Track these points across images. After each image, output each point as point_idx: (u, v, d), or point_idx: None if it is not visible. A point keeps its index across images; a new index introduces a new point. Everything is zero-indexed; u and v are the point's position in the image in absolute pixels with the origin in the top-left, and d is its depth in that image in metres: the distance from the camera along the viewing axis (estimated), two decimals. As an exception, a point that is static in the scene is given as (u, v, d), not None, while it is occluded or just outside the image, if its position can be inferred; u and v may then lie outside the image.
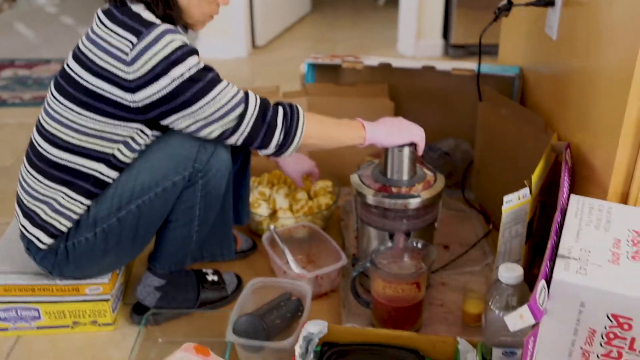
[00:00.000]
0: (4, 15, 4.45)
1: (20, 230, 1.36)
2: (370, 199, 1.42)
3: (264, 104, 1.26)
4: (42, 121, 1.30)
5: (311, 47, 3.57)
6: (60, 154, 1.27)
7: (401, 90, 1.95)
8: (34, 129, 1.34)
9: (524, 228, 1.32)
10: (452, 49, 3.32)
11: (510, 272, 1.20)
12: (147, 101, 1.20)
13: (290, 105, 1.30)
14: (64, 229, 1.31)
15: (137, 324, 1.45)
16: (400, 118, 1.42)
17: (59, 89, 1.26)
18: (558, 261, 1.02)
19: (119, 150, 1.28)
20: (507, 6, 1.62)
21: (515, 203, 1.29)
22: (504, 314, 1.21)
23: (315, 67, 1.98)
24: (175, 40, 1.18)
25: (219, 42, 3.37)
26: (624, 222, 1.12)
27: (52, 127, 1.27)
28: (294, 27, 4.00)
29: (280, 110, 1.28)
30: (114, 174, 1.30)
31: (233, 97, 1.23)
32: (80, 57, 1.23)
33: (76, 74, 1.23)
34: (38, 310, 1.43)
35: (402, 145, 1.40)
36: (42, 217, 1.31)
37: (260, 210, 1.73)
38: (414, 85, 1.95)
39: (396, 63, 1.91)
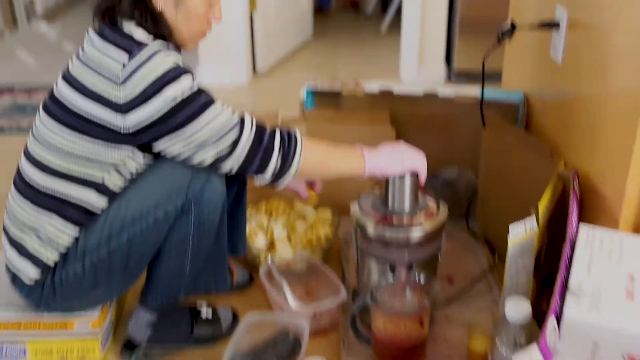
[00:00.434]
0: (5, 41, 4.45)
1: (6, 263, 1.31)
2: (371, 230, 1.37)
3: (260, 128, 1.22)
4: (30, 145, 1.26)
5: (313, 73, 3.55)
6: (47, 180, 1.22)
7: (403, 117, 1.90)
8: (22, 154, 1.29)
9: (531, 261, 1.26)
10: (455, 75, 3.28)
11: (517, 309, 1.14)
12: (138, 125, 1.15)
13: (289, 132, 1.25)
14: (51, 262, 1.26)
15: (127, 361, 1.39)
16: (401, 144, 1.36)
17: (48, 111, 1.22)
18: (568, 297, 0.96)
19: (108, 177, 1.23)
20: (511, 30, 1.57)
21: (522, 235, 1.23)
22: (511, 353, 1.15)
23: (315, 93, 1.94)
24: (168, 60, 1.14)
25: (219, 68, 3.35)
26: (637, 254, 1.06)
27: (39, 151, 1.23)
28: (296, 54, 3.98)
29: (278, 134, 1.23)
30: (103, 202, 1.25)
31: (228, 120, 1.18)
32: (69, 79, 1.19)
33: (65, 96, 1.19)
34: (24, 349, 1.37)
35: (404, 174, 1.35)
36: (28, 248, 1.25)
37: (258, 242, 1.67)
38: (416, 112, 1.90)
39: (398, 89, 1.87)
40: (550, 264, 1.42)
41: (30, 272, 1.26)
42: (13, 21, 4.65)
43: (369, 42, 4.26)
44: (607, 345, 0.91)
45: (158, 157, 1.24)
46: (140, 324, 1.38)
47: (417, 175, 1.36)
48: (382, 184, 1.39)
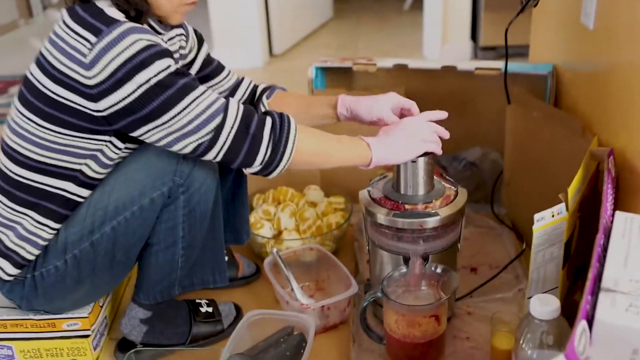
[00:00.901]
0: (20, 31, 4.40)
1: None
2: (382, 218, 1.24)
3: (247, 114, 1.09)
4: (5, 137, 1.16)
5: (333, 54, 3.41)
6: (23, 172, 1.13)
7: (419, 94, 1.75)
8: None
9: (560, 250, 1.13)
10: (481, 52, 3.11)
11: (544, 306, 1.01)
12: (112, 111, 1.04)
13: (281, 115, 1.13)
14: (31, 257, 1.16)
15: (121, 363, 1.29)
16: (407, 122, 1.22)
17: (22, 99, 1.12)
18: (602, 296, 0.82)
19: (87, 165, 1.13)
20: (536, -5, 1.42)
21: (549, 221, 1.09)
22: (537, 354, 1.02)
23: (325, 72, 1.81)
24: (141, 39, 1.02)
25: (233, 49, 3.23)
26: (683, 244, 0.92)
27: (14, 142, 1.13)
28: (315, 34, 3.84)
29: (268, 120, 1.11)
30: (84, 192, 1.15)
31: (209, 105, 1.06)
32: (41, 61, 1.09)
33: (37, 80, 1.09)
34: (12, 349, 1.28)
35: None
36: (6, 244, 1.16)
37: (263, 231, 1.56)
38: (434, 88, 1.77)
39: (413, 64, 1.73)
40: (583, 252, 1.28)
41: (8, 269, 1.17)
42: (28, 11, 4.60)
43: (391, 20, 4.09)
44: (648, 350, 0.78)
45: (141, 141, 1.13)
46: (134, 321, 1.28)
47: (432, 156, 1.23)
48: (394, 168, 1.26)
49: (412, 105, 1.28)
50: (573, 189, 1.11)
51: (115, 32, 1.01)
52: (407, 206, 1.24)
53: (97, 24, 1.02)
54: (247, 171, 1.13)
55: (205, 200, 1.17)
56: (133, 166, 1.13)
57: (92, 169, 1.13)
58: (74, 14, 1.06)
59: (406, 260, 1.26)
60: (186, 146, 1.07)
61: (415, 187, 1.25)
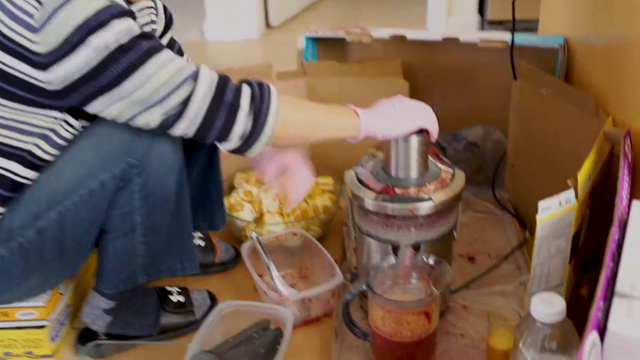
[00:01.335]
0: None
1: None
2: (369, 203, 1.12)
3: (222, 82, 0.97)
4: None
5: (332, 26, 3.26)
6: None
7: (418, 68, 1.64)
8: None
9: (567, 243, 1.00)
10: (488, 26, 2.96)
11: (547, 307, 0.89)
12: (65, 82, 0.92)
13: (260, 84, 1.00)
14: None
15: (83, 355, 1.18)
16: (402, 97, 1.12)
17: None
18: (616, 302, 0.69)
19: (36, 145, 1.00)
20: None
21: (556, 211, 0.96)
22: (539, 359, 0.90)
23: (318, 42, 1.68)
24: None
25: (229, 22, 3.10)
26: None
27: None
28: (314, 5, 3.70)
29: (246, 90, 0.98)
30: (32, 174, 1.03)
31: (178, 72, 0.93)
32: None
33: None
34: (-38, 339, 1.17)
35: (409, 134, 1.09)
36: None
37: (244, 213, 1.44)
38: (434, 61, 1.65)
39: (411, 35, 1.59)
40: (593, 243, 1.15)
41: None
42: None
43: (395, -9, 3.94)
44: (669, 367, 0.65)
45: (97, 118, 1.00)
46: (97, 311, 1.17)
47: (426, 135, 1.11)
48: (384, 147, 1.14)
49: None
50: (584, 174, 0.98)
51: None
52: (397, 190, 1.12)
53: None
54: (223, 147, 1.01)
55: (165, 183, 1.05)
56: (82, 144, 1.01)
57: (42, 149, 1.01)
58: None
59: (395, 250, 1.14)
60: (151, 120, 0.95)
61: (407, 169, 1.13)
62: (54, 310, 1.18)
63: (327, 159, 1.57)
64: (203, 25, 3.17)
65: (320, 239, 1.42)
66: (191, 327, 1.24)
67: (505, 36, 1.53)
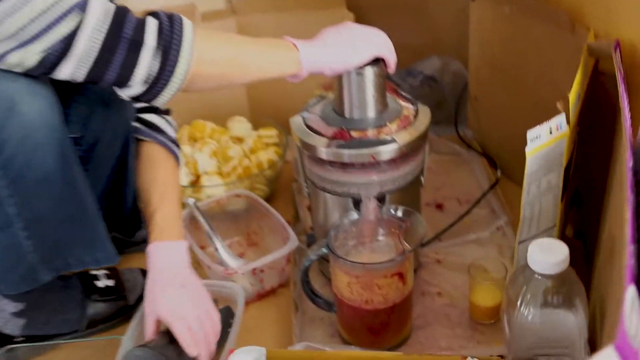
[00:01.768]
0: None
1: None
2: (322, 151, 0.95)
3: (120, 14, 0.76)
4: None
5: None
6: None
7: (363, -4, 1.46)
8: None
9: (559, 177, 0.85)
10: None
11: (546, 256, 0.75)
12: None
13: (170, 16, 0.80)
14: None
15: (-6, 362, 0.98)
16: (350, 24, 0.95)
17: None
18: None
19: None
20: None
21: (546, 140, 0.81)
22: (541, 316, 0.76)
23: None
24: None
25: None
26: None
27: None
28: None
29: (152, 22, 0.78)
30: None
31: (58, 0, 0.72)
32: None
33: None
34: None
35: (362, 66, 0.91)
36: None
37: (178, 178, 1.24)
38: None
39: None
40: (578, 177, 1.01)
41: None
42: None
43: None
44: None
45: None
46: (4, 314, 0.97)
47: (382, 66, 0.94)
48: (335, 84, 0.96)
49: None
50: (574, 95, 0.83)
51: None
52: (353, 133, 0.94)
53: None
54: (123, 94, 0.80)
55: (38, 160, 0.83)
56: None
57: None
58: None
59: (357, 204, 0.97)
60: (27, 58, 0.74)
61: (363, 107, 0.95)
62: (-48, 312, 0.97)
63: (267, 108, 1.41)
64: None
65: (268, 199, 1.25)
66: (125, 314, 1.05)
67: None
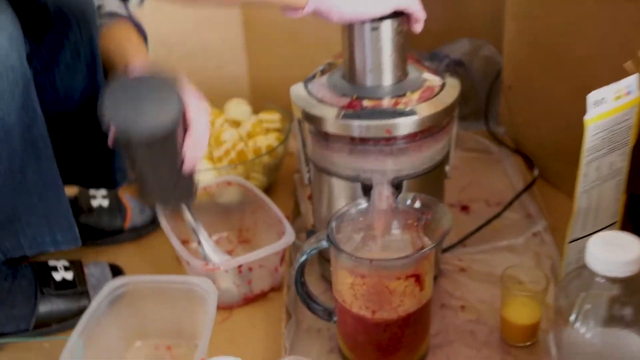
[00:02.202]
0: None
1: None
2: (327, 123, 0.78)
3: None
4: None
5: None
6: None
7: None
8: None
9: (625, 158, 0.67)
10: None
11: (614, 253, 0.56)
12: None
13: None
14: None
15: None
16: None
17: None
18: None
19: None
20: None
21: (611, 107, 0.63)
22: (604, 335, 0.58)
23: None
24: None
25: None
26: None
27: None
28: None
29: None
30: None
31: None
32: None
33: None
34: None
35: (379, 19, 0.75)
36: None
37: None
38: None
39: None
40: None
41: None
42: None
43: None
44: None
45: None
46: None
47: (404, 21, 0.77)
48: (343, 47, 0.80)
49: None
50: (647, 53, 0.65)
51: None
52: (365, 102, 0.78)
53: None
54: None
55: None
56: None
57: None
58: None
59: (367, 190, 0.79)
60: None
61: (379, 71, 0.79)
62: None
63: (269, 92, 1.26)
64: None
65: (266, 191, 1.08)
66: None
67: None
